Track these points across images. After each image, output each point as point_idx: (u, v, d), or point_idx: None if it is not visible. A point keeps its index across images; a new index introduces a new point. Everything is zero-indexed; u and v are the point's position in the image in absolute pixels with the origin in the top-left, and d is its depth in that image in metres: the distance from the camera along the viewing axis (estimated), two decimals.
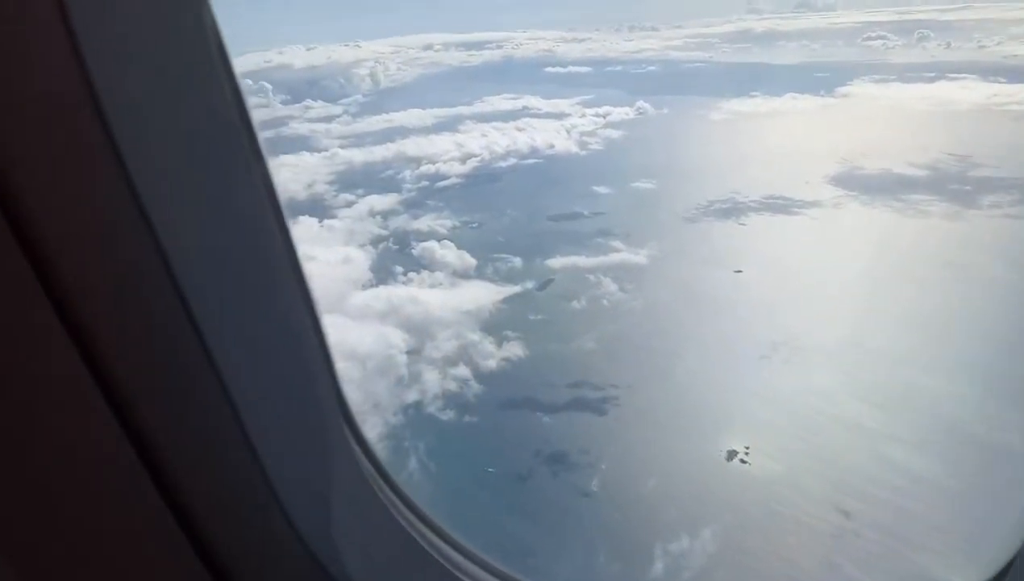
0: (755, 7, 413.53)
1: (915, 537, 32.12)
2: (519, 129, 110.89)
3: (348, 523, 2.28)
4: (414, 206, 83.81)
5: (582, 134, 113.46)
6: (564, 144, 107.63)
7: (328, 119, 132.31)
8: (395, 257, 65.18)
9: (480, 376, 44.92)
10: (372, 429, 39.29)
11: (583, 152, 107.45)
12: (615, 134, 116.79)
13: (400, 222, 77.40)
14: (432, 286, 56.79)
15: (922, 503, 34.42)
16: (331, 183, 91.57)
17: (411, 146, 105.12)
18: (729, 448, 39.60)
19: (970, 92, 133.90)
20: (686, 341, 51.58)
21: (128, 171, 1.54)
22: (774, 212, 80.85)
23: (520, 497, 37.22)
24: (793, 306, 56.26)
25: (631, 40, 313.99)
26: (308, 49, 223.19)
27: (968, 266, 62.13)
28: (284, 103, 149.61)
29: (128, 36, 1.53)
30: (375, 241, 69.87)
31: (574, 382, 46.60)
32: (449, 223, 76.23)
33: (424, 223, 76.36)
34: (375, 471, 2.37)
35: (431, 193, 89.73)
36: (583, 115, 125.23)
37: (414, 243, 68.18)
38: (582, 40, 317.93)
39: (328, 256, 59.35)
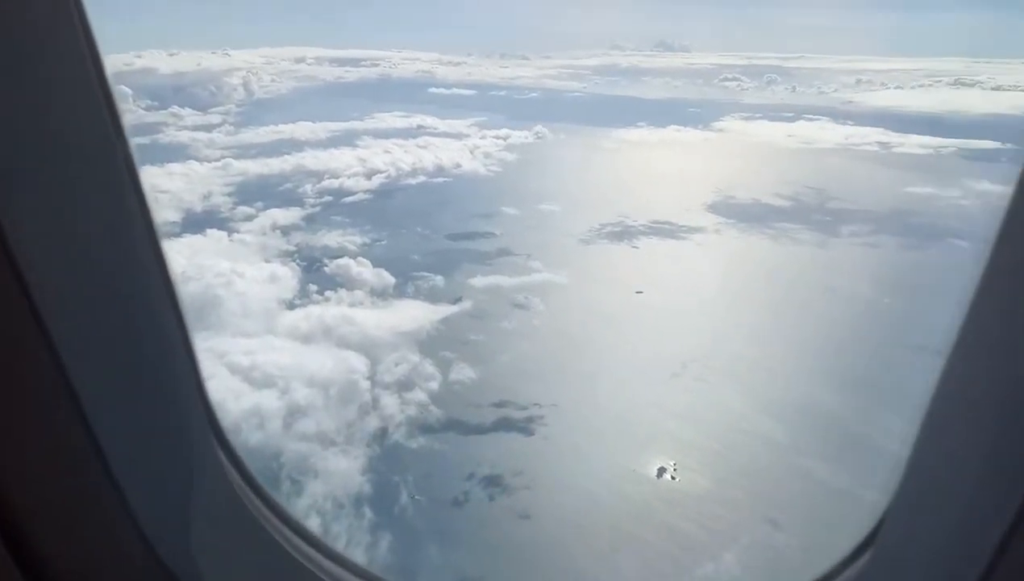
0: (617, 44, 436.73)
1: (840, 546, 34.02)
2: (421, 147, 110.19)
3: (214, 538, 2.24)
4: (319, 221, 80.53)
5: (484, 155, 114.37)
6: (470, 164, 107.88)
7: (208, 128, 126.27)
8: (309, 275, 61.87)
9: (435, 398, 43.33)
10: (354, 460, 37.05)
11: (487, 172, 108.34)
12: (513, 157, 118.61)
13: (305, 238, 73.93)
14: (353, 305, 54.18)
15: (843, 514, 36.65)
16: (229, 195, 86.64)
17: (309, 159, 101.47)
18: (658, 466, 40.47)
19: (827, 132, 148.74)
20: (602, 360, 52.49)
21: None
22: (662, 236, 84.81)
23: (459, 524, 36.00)
24: (694, 326, 58.81)
25: (506, 67, 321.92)
26: (170, 55, 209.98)
27: (840, 289, 67.97)
28: (149, 109, 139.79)
29: None
30: (283, 257, 66.12)
31: (498, 402, 46.03)
32: (358, 239, 73.71)
33: (332, 239, 73.47)
34: (246, 485, 2.33)
35: (336, 208, 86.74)
36: (483, 136, 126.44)
37: (326, 260, 65.08)
38: (458, 64, 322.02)
39: (254, 273, 55.25)
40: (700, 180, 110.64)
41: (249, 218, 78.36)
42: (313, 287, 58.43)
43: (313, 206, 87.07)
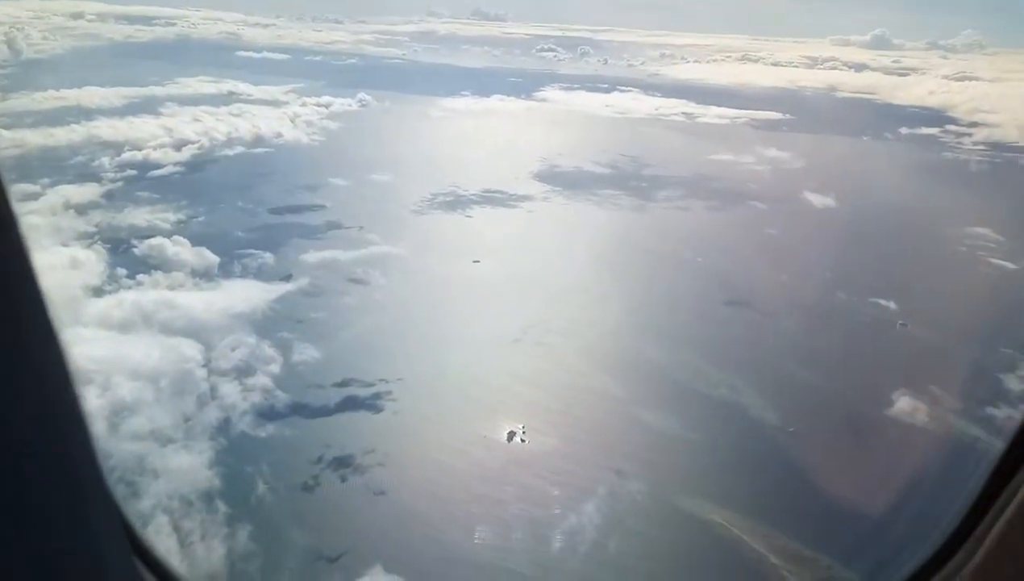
0: (433, 11, 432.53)
1: (679, 485, 37.11)
2: (235, 115, 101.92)
3: None
4: (122, 198, 72.14)
5: (306, 124, 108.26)
6: (292, 133, 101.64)
7: None
8: (116, 258, 55.29)
9: (278, 381, 40.65)
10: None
11: (311, 142, 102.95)
12: (337, 125, 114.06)
13: (107, 217, 65.87)
14: (172, 288, 49.30)
15: (676, 456, 39.87)
16: (7, 170, 73.67)
17: (104, 129, 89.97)
18: (508, 430, 41.47)
19: (640, 103, 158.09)
20: (445, 330, 52.60)
21: None
22: (494, 205, 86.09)
23: (311, 507, 34.71)
24: (530, 291, 60.47)
25: (320, 31, 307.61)
26: None
27: (659, 250, 73.06)
28: None
29: None
30: (82, 239, 58.35)
31: (343, 380, 44.72)
32: (172, 217, 67.03)
33: (140, 217, 66.28)
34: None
35: (142, 183, 78.26)
36: (304, 104, 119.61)
37: (134, 241, 58.52)
38: (267, 26, 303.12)
39: (49, 259, 47.88)
40: (526, 149, 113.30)
41: (34, 197, 68.44)
42: (122, 271, 52.71)
43: (113, 181, 78.27)
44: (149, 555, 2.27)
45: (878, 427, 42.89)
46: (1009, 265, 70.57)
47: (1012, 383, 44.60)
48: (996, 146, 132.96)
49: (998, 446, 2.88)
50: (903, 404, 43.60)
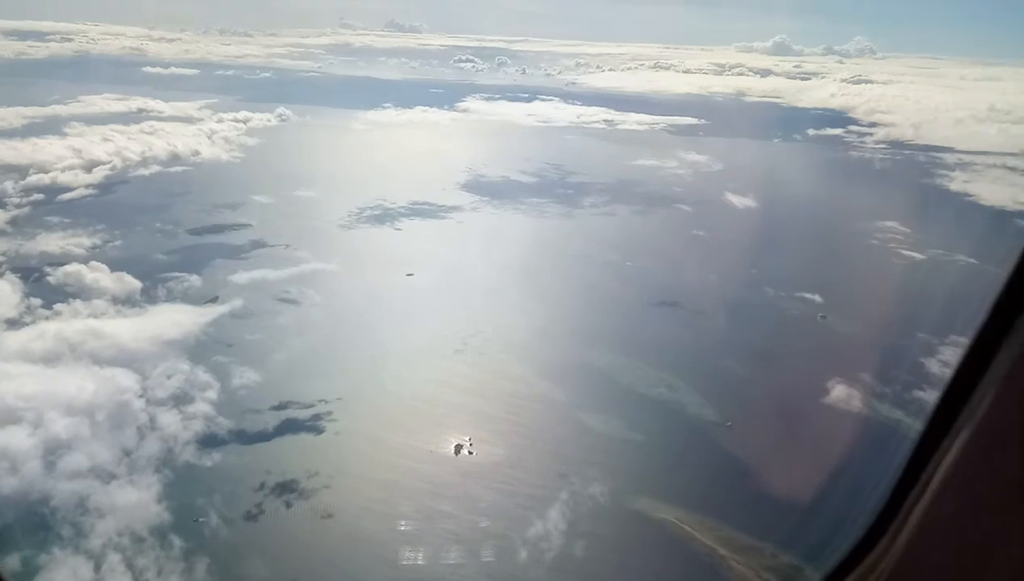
0: (346, 22, 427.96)
1: (628, 486, 37.59)
2: (147, 133, 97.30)
3: None
4: (30, 223, 68.04)
5: (224, 140, 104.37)
6: (210, 150, 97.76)
7: None
8: (28, 287, 51.69)
9: (216, 407, 38.80)
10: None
11: (230, 159, 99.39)
12: (256, 141, 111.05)
13: (14, 245, 61.76)
14: (95, 316, 46.41)
15: (622, 458, 40.41)
16: None
17: (5, 151, 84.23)
18: (455, 443, 41.11)
19: (561, 112, 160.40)
20: (384, 345, 51.76)
21: None
22: (423, 217, 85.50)
23: (256, 536, 33.41)
24: (468, 302, 60.31)
25: (229, 44, 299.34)
26: None
27: (589, 256, 74.11)
28: None
29: None
30: None
31: (280, 403, 43.37)
32: (86, 242, 63.46)
33: (52, 243, 62.60)
34: None
35: (51, 207, 74.13)
36: (220, 120, 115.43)
37: (47, 269, 54.95)
38: (172, 40, 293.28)
39: None
40: (451, 160, 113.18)
41: None
42: (37, 301, 49.60)
43: (19, 206, 73.95)
44: None
45: (811, 416, 44.71)
46: (917, 255, 75.26)
47: (933, 367, 47.28)
48: (895, 144, 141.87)
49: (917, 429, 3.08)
50: (837, 392, 45.67)
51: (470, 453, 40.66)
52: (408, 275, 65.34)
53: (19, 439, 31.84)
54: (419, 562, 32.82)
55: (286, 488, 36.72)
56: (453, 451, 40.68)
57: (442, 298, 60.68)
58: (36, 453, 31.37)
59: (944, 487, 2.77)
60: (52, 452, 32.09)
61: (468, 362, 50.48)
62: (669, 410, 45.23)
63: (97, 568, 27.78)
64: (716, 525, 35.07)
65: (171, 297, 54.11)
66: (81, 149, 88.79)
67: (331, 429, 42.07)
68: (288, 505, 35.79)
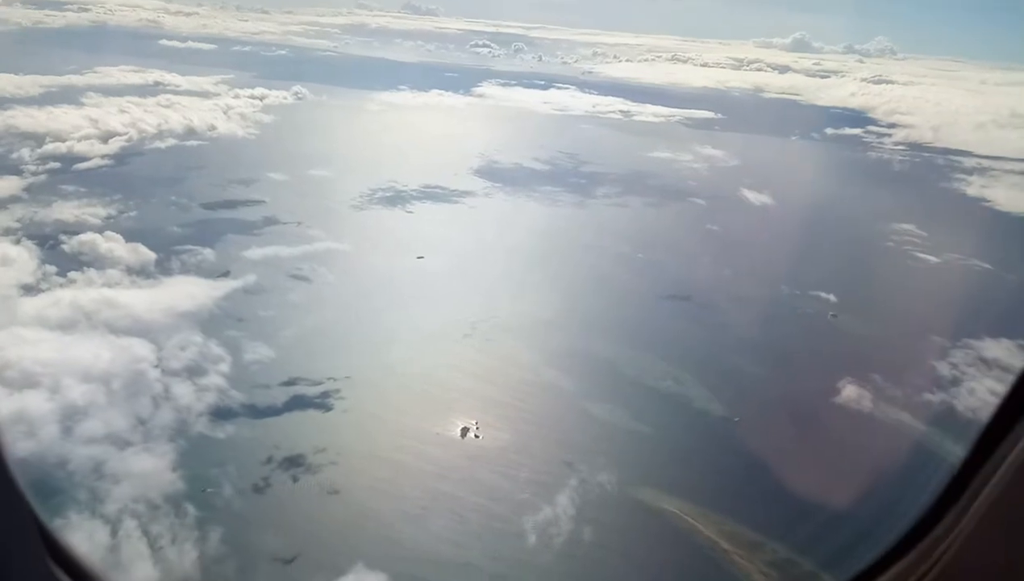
0: (362, 3, 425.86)
1: (632, 476, 37.70)
2: (164, 106, 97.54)
3: None
4: (46, 192, 68.21)
5: (240, 116, 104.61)
6: (226, 126, 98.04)
7: None
8: (43, 254, 52.00)
9: (229, 380, 39.08)
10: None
11: (246, 135, 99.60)
12: (272, 118, 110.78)
13: (29, 211, 62.22)
14: (110, 286, 46.67)
15: (627, 448, 40.49)
16: None
17: (21, 118, 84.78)
18: (461, 426, 41.27)
19: (576, 100, 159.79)
20: (394, 327, 51.87)
21: None
22: (435, 201, 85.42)
23: (263, 508, 33.71)
24: (478, 287, 60.37)
25: (246, 20, 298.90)
26: None
27: (600, 246, 73.96)
28: None
29: None
30: (7, 234, 54.41)
31: (290, 379, 43.62)
32: (101, 212, 63.75)
33: (67, 212, 62.76)
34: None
35: (67, 176, 74.22)
36: (236, 96, 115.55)
37: (62, 237, 55.26)
38: (189, 14, 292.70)
39: None
40: (465, 145, 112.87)
41: None
42: (51, 268, 49.93)
43: (36, 174, 74.05)
44: (66, 558, 2.21)
45: (820, 415, 44.64)
46: (933, 258, 74.91)
47: (944, 370, 47.12)
48: (914, 146, 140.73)
49: (929, 434, 3.06)
50: (847, 392, 45.54)
51: (476, 437, 40.82)
52: (419, 258, 65.37)
53: (37, 403, 32.33)
54: (422, 541, 33.06)
55: (293, 463, 36.98)
56: (459, 434, 40.86)
57: (452, 283, 60.73)
58: (53, 418, 31.70)
59: (992, 505, 2.75)
60: (69, 418, 32.55)
61: (476, 347, 50.57)
62: (676, 403, 45.24)
63: (114, 533, 28.12)
64: (720, 519, 35.13)
65: (185, 269, 54.40)
66: (97, 119, 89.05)
67: (339, 407, 42.29)
68: (295, 479, 36.06)
